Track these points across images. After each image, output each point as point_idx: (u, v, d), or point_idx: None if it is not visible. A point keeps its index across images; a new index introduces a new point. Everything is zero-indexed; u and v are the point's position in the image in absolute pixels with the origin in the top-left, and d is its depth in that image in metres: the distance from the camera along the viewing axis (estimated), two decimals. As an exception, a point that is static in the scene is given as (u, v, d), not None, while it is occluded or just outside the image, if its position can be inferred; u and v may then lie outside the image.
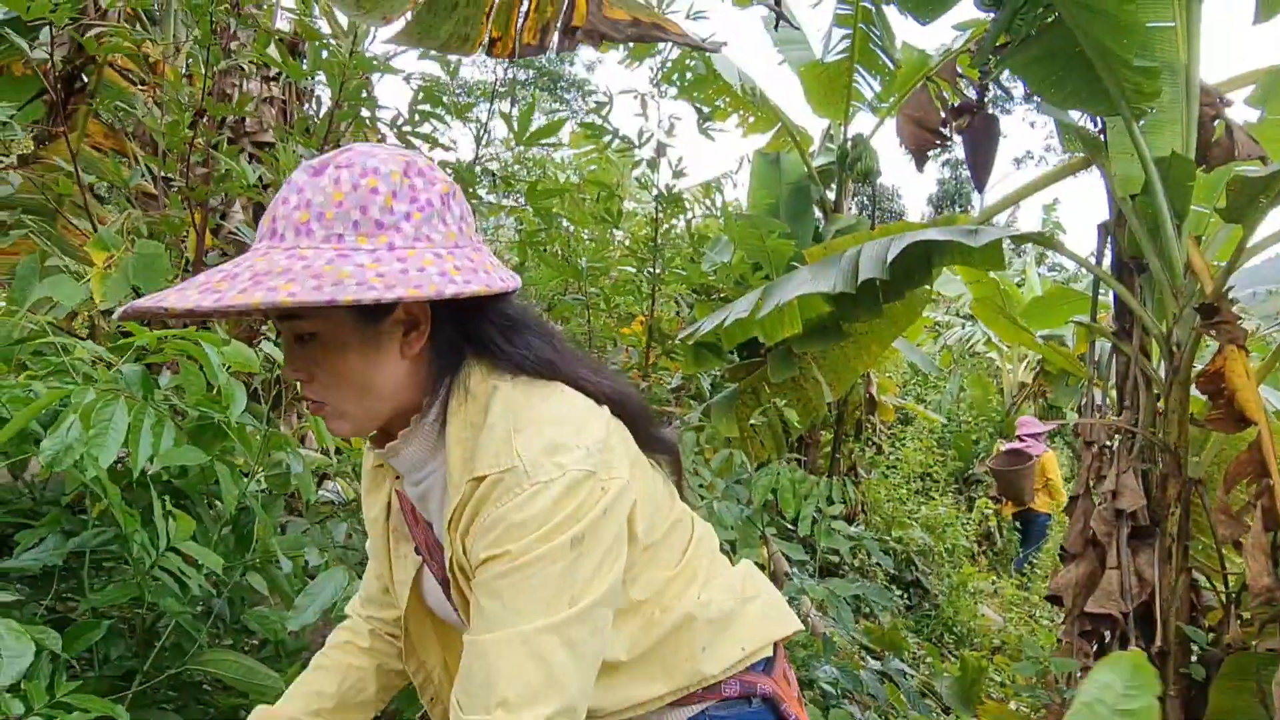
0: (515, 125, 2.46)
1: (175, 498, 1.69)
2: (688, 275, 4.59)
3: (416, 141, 2.71)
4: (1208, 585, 3.45)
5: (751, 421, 4.16)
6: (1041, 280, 11.06)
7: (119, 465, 1.70)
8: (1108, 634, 3.49)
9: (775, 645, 1.24)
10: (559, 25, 2.43)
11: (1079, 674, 3.49)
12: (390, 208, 0.97)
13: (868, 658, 4.86)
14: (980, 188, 3.48)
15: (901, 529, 7.18)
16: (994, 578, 8.16)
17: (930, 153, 3.57)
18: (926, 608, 6.94)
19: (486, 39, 2.51)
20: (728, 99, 6.71)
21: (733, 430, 3.87)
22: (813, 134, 7.12)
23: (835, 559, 6.33)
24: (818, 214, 6.51)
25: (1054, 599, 3.63)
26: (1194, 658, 3.38)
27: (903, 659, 5.31)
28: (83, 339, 2.18)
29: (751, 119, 6.90)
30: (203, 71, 2.55)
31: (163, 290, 0.95)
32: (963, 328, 10.56)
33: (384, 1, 2.57)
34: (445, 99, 2.78)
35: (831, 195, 6.67)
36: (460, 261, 0.99)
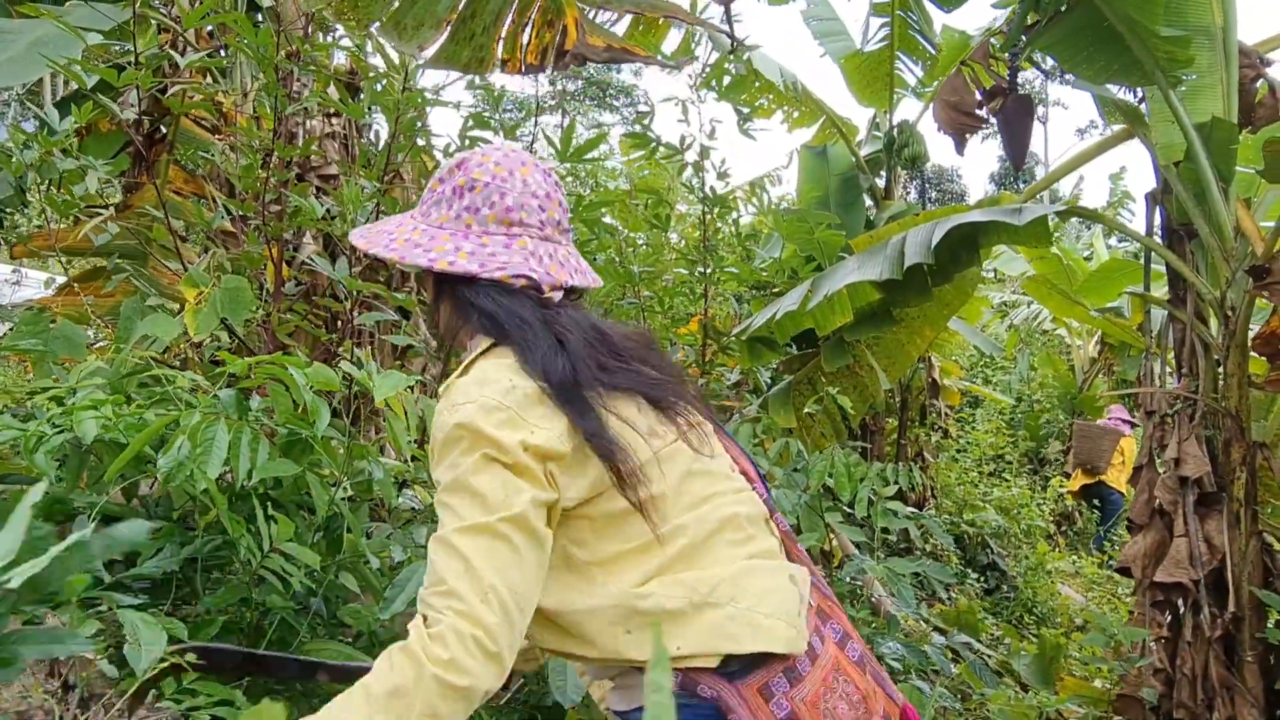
0: (559, 143, 2.62)
1: (273, 507, 1.88)
2: (740, 273, 4.70)
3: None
4: (1281, 549, 3.43)
5: (807, 410, 4.24)
6: (1111, 252, 10.83)
7: (222, 481, 1.89)
8: (1180, 603, 3.49)
9: (768, 659, 1.18)
10: (555, 49, 2.77)
11: (1151, 642, 3.49)
12: (434, 190, 1.33)
13: (940, 638, 4.89)
14: (1018, 167, 3.51)
15: (973, 511, 7.15)
16: (1074, 557, 8.05)
17: (968, 135, 3.62)
18: (1005, 590, 6.89)
19: (499, 60, 2.87)
20: (770, 96, 6.79)
21: (790, 421, 3.95)
22: (859, 124, 7.16)
23: (904, 543, 6.35)
24: (869, 202, 6.54)
25: (1124, 570, 3.63)
26: (1272, 622, 3.35)
27: (979, 640, 5.32)
28: (180, 370, 2.40)
29: (796, 114, 6.97)
30: (271, 114, 2.77)
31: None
32: (1028, 306, 10.39)
33: (419, 32, 2.90)
34: (494, 119, 2.98)
35: (882, 183, 6.69)
36: (460, 244, 1.27)
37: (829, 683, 1.21)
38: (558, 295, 1.30)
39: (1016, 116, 3.25)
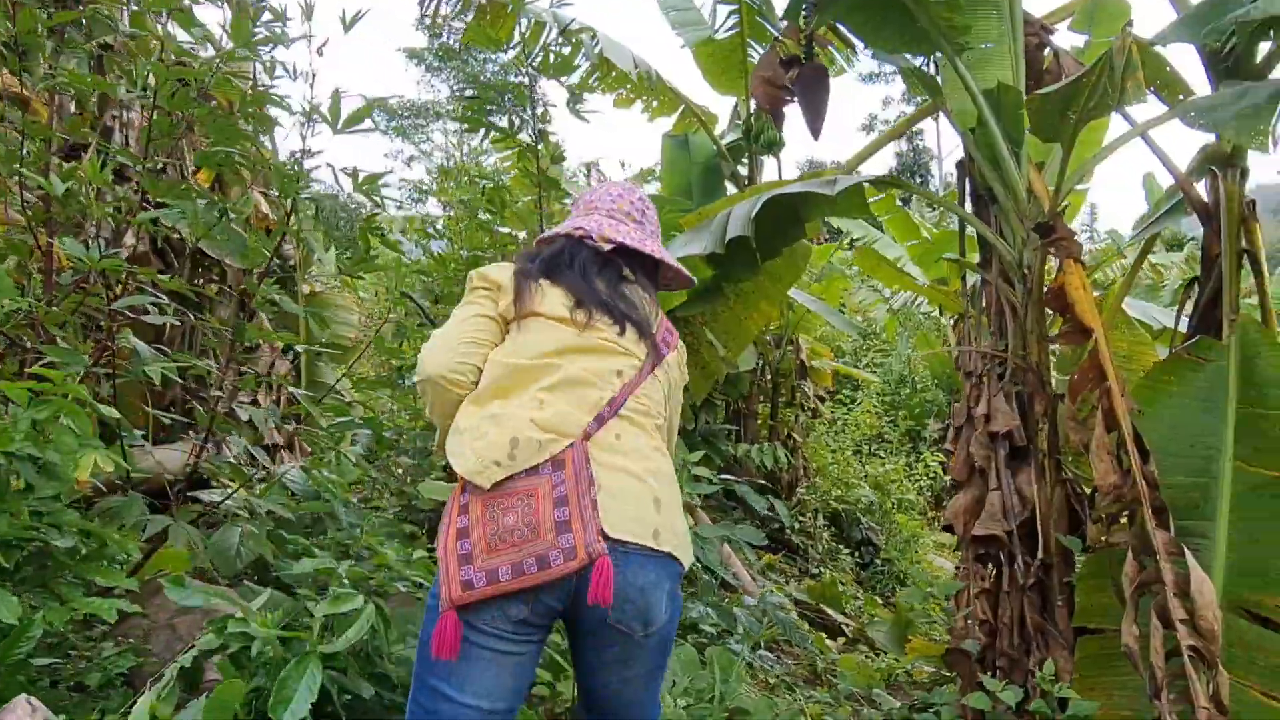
0: (328, 115, 2.55)
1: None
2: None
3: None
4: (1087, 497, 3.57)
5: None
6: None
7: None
8: (999, 554, 3.60)
9: (472, 492, 1.64)
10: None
11: (974, 594, 3.60)
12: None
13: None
14: (815, 135, 3.59)
15: (849, 489, 7.30)
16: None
17: (783, 107, 3.68)
18: (879, 565, 7.05)
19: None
20: (628, 87, 6.81)
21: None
22: (723, 112, 7.24)
23: (776, 523, 6.43)
24: (732, 189, 6.61)
25: (949, 528, 3.74)
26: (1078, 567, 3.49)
27: (844, 611, 5.42)
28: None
29: (655, 103, 7.01)
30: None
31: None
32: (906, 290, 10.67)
33: None
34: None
35: (745, 170, 6.78)
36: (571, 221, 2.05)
37: (508, 502, 1.61)
38: (606, 246, 1.95)
39: (811, 85, 3.32)
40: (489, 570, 1.55)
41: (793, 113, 5.75)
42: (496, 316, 1.87)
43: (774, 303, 4.34)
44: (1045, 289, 3.27)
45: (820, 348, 7.60)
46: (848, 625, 5.03)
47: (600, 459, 1.68)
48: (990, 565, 3.67)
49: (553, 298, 1.86)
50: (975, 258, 3.97)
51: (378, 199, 2.68)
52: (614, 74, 6.45)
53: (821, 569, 6.42)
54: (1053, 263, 3.40)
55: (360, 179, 2.65)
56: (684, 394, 2.07)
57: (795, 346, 7.04)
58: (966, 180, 3.83)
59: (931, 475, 8.59)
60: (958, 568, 3.70)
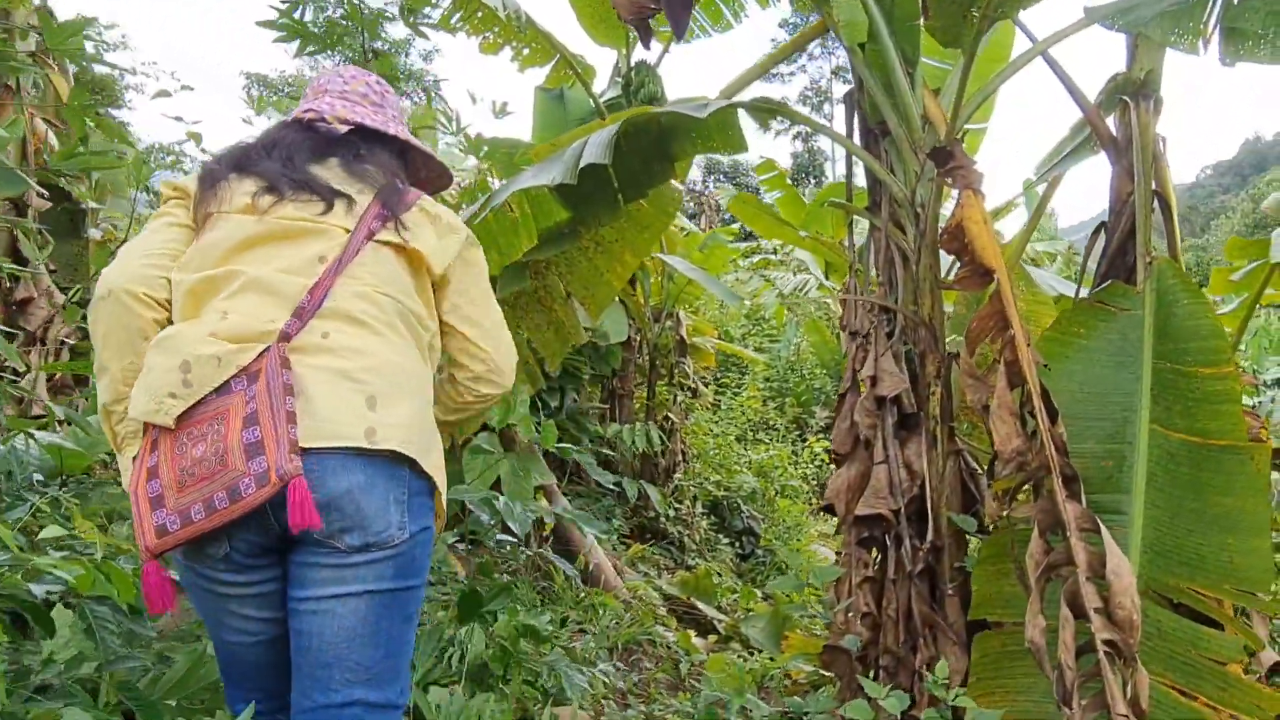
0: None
1: None
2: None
3: None
4: (984, 470, 3.15)
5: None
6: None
7: None
8: (885, 537, 3.15)
9: (156, 433, 1.44)
10: None
11: (856, 583, 3.13)
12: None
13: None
14: (679, 36, 3.07)
15: (730, 475, 6.85)
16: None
17: (648, 19, 3.13)
18: (760, 555, 6.62)
19: None
20: (497, 29, 6.17)
21: (458, 359, 3.34)
22: (602, 65, 6.68)
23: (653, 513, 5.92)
24: (609, 151, 6.06)
25: (828, 509, 3.27)
26: (971, 552, 3.08)
27: (719, 606, 4.94)
28: None
29: (526, 50, 6.38)
30: None
31: None
32: (794, 274, 10.37)
33: None
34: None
35: (624, 130, 6.23)
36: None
37: (198, 431, 1.39)
38: (342, 128, 1.71)
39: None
40: (181, 511, 1.37)
41: (677, 68, 5.23)
42: (191, 224, 1.61)
43: (639, 254, 3.79)
44: (940, 231, 2.82)
45: (704, 324, 7.13)
46: (721, 621, 4.53)
47: (303, 361, 1.45)
48: (875, 550, 3.23)
49: (239, 190, 1.59)
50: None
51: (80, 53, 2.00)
52: (480, 13, 5.80)
53: (698, 560, 5.94)
54: (950, 204, 2.95)
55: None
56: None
57: (675, 321, 6.54)
58: (855, 114, 3.36)
59: (818, 463, 8.24)
60: (838, 554, 3.23)
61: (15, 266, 4.13)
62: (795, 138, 39.98)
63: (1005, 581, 2.52)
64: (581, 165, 3.04)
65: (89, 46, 3.50)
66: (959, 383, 2.96)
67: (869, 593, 3.17)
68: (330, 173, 1.63)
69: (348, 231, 1.55)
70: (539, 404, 5.35)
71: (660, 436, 5.80)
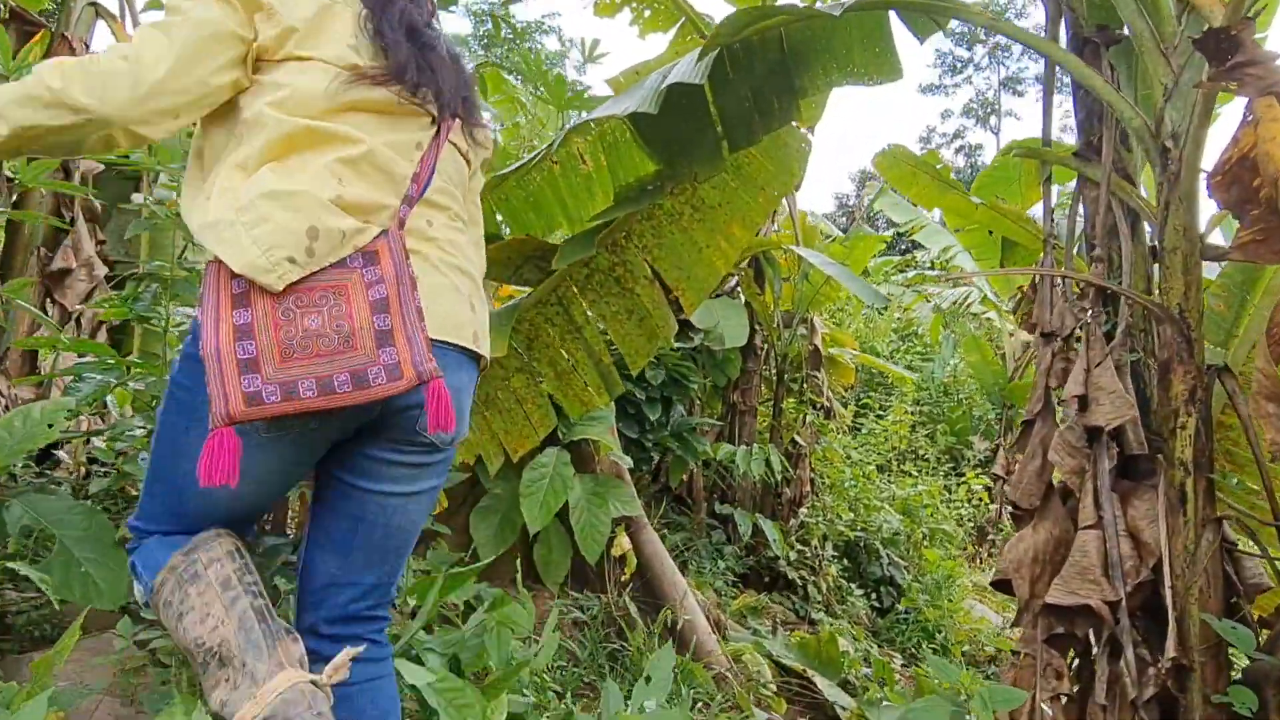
0: None
1: None
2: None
3: None
4: (1255, 549, 2.07)
5: (565, 353, 2.81)
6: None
7: None
8: (1093, 640, 2.12)
9: (246, 287, 1.25)
10: None
11: (1045, 703, 2.11)
12: None
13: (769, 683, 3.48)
14: None
15: (869, 512, 5.78)
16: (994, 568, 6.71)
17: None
18: (902, 611, 5.52)
19: None
20: (613, -13, 5.42)
21: (498, 348, 2.53)
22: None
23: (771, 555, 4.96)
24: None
25: (1001, 585, 2.25)
26: (1237, 674, 2.00)
27: (842, 680, 3.93)
28: None
29: (648, 12, 5.59)
30: None
31: None
32: (953, 287, 9.13)
33: None
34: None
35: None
36: None
37: (309, 298, 1.24)
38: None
39: None
40: (284, 384, 1.21)
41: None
42: (247, 42, 1.34)
43: (750, 225, 2.87)
44: (1213, 171, 1.77)
45: (843, 335, 6.11)
46: (845, 709, 3.53)
47: (418, 250, 1.38)
48: (1073, 653, 2.19)
49: (337, 34, 1.37)
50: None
51: None
52: (595, -31, 5.07)
53: (823, 615, 4.92)
54: (1219, 122, 1.90)
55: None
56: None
57: (810, 328, 5.56)
58: (1062, 18, 2.35)
59: (975, 502, 7.02)
60: (1014, 654, 2.21)
61: (57, 221, 3.67)
62: (959, 150, 37.67)
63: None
64: (667, 85, 2.19)
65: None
66: (1235, 414, 1.91)
67: (1064, 716, 2.14)
68: (417, 49, 1.45)
69: (434, 121, 1.46)
70: (639, 417, 4.52)
71: (783, 462, 4.84)
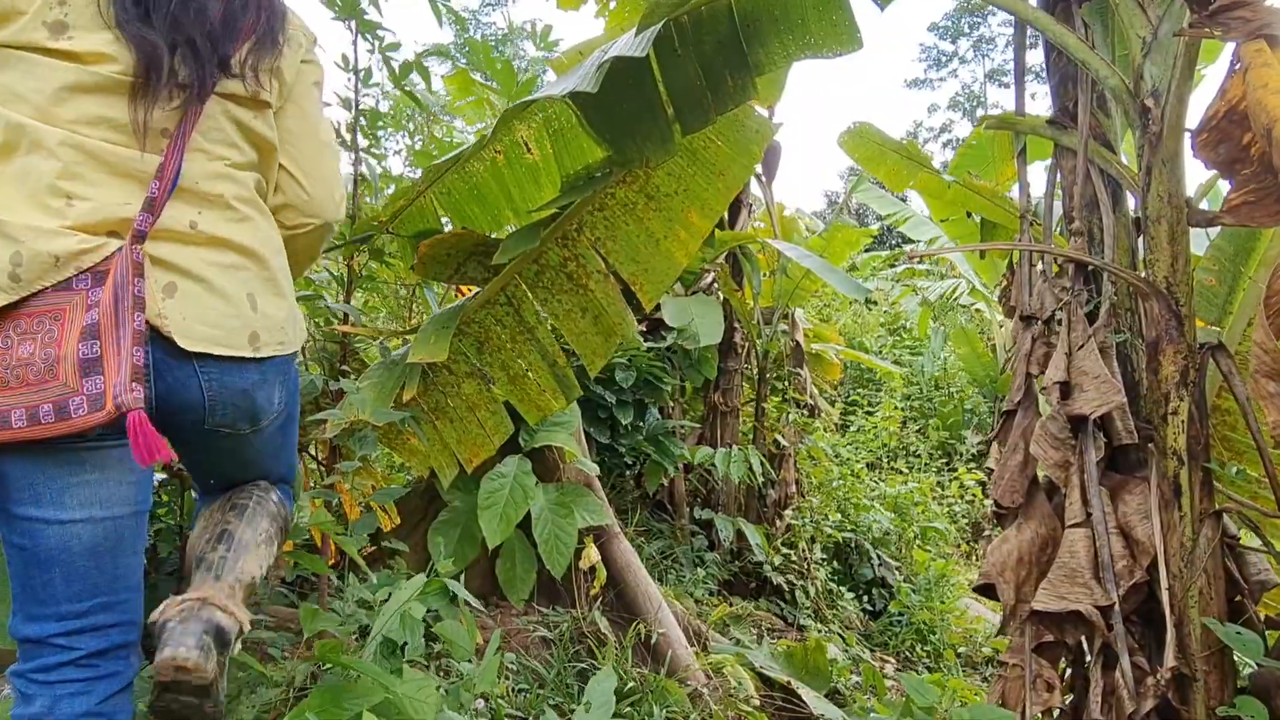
0: None
1: None
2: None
3: None
4: (1259, 544, 1.89)
5: (517, 355, 2.63)
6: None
7: None
8: (1085, 647, 1.95)
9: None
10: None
11: (1033, 715, 1.93)
12: None
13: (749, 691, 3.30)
14: None
15: (858, 512, 5.60)
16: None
17: None
18: (894, 614, 5.34)
19: None
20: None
21: (439, 353, 2.35)
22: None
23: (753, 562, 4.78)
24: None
25: (985, 589, 2.08)
26: (1241, 681, 1.82)
27: (831, 690, 3.75)
28: None
29: (613, 3, 5.43)
30: None
31: None
32: (941, 279, 8.98)
33: None
34: None
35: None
36: None
37: (27, 325, 1.21)
38: None
39: None
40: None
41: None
42: None
43: (711, 212, 2.70)
44: (1198, 128, 1.60)
45: (827, 331, 5.93)
46: (831, 720, 3.34)
47: (168, 260, 1.28)
48: (1065, 663, 2.02)
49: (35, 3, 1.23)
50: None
51: None
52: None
53: (812, 620, 4.74)
54: (1203, 86, 1.74)
55: None
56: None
57: (790, 323, 5.39)
58: (1032, -22, 2.18)
59: (969, 498, 6.84)
60: (1001, 665, 2.03)
61: None
62: (946, 145, 37.62)
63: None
64: (609, 61, 2.02)
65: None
66: (1232, 396, 1.74)
67: (1055, 734, 1.96)
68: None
69: (186, 88, 1.31)
70: (610, 421, 4.34)
71: (764, 463, 4.66)
